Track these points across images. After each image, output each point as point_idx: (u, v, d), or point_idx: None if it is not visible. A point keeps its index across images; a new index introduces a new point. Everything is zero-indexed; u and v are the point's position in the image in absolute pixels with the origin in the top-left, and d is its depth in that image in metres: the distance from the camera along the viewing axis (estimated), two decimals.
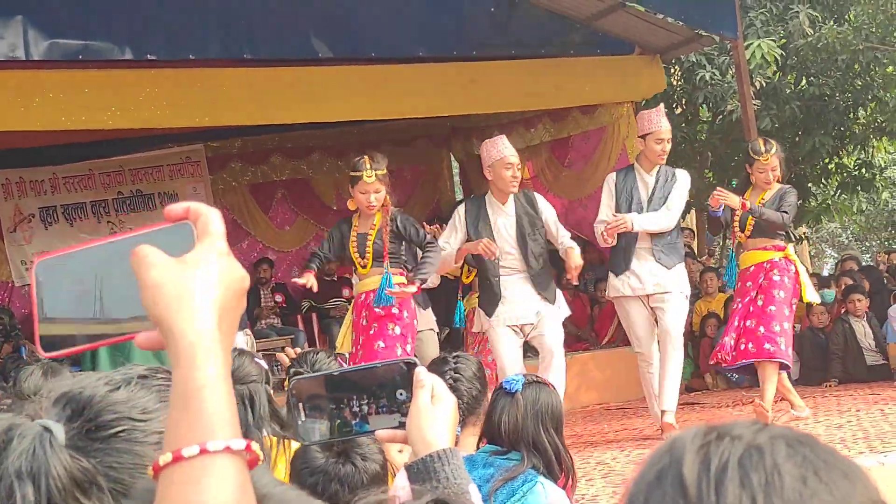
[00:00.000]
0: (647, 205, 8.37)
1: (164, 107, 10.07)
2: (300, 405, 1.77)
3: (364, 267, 7.65)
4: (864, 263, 17.02)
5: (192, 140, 13.30)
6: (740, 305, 8.47)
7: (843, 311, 11.30)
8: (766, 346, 8.20)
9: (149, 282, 1.25)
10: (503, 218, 8.08)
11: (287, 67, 10.81)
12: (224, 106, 10.38)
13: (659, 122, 8.46)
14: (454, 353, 4.23)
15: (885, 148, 17.92)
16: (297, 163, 14.34)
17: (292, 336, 11.94)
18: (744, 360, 8.30)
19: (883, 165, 19.16)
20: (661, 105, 9.58)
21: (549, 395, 3.92)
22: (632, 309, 8.43)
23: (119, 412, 1.41)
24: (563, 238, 8.16)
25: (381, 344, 7.47)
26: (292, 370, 4.15)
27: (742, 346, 8.29)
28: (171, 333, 1.23)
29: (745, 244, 8.58)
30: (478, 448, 3.96)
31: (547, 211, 8.21)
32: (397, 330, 7.55)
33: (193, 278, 1.26)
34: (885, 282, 12.55)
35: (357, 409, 1.76)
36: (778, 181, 8.46)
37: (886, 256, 14.92)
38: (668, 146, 8.56)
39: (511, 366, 7.85)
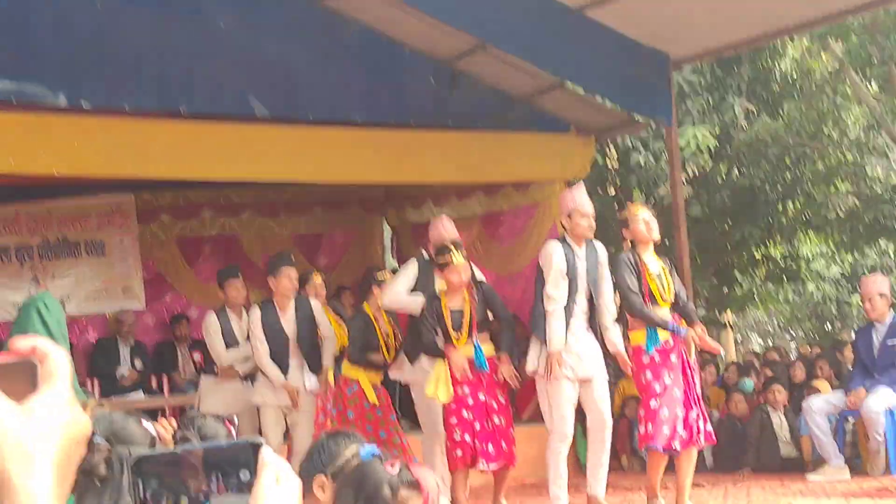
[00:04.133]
0: (585, 281, 8.36)
1: (95, 155, 9.96)
2: (140, 482, 1.72)
3: (459, 340, 8.42)
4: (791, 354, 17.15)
5: (122, 190, 13.18)
6: (670, 381, 8.04)
7: (761, 400, 11.38)
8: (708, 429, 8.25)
9: None
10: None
11: (222, 124, 10.77)
12: (156, 158, 10.29)
13: (582, 198, 8.51)
14: None
15: (811, 241, 18.19)
16: (227, 219, 14.25)
17: None
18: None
19: (809, 258, 19.42)
20: (581, 183, 9.76)
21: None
22: (566, 389, 8.32)
23: None
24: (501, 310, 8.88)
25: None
26: (178, 434, 4.06)
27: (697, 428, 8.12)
28: (9, 485, 1.21)
29: (661, 313, 8.22)
30: None
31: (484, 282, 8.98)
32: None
33: (37, 430, 1.23)
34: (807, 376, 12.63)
35: (203, 488, 1.70)
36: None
37: (809, 349, 15.07)
38: (594, 222, 8.54)
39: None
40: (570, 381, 8.31)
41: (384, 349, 9.00)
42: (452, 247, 8.47)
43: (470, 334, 8.45)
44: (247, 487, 1.71)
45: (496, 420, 8.44)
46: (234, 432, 5.32)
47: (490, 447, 8.37)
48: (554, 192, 12.74)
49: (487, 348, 8.55)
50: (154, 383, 12.32)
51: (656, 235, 8.36)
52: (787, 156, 14.87)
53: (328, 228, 14.97)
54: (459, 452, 8.41)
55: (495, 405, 8.46)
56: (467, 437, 8.35)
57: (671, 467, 8.44)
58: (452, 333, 8.40)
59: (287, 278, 9.22)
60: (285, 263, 9.34)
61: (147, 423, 3.53)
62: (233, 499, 1.71)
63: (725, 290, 16.24)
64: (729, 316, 18.75)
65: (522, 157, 12.15)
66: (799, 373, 11.91)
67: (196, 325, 12.69)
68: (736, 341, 24.90)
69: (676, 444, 8.05)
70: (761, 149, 14.47)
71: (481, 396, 8.41)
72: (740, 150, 14.73)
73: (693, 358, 8.38)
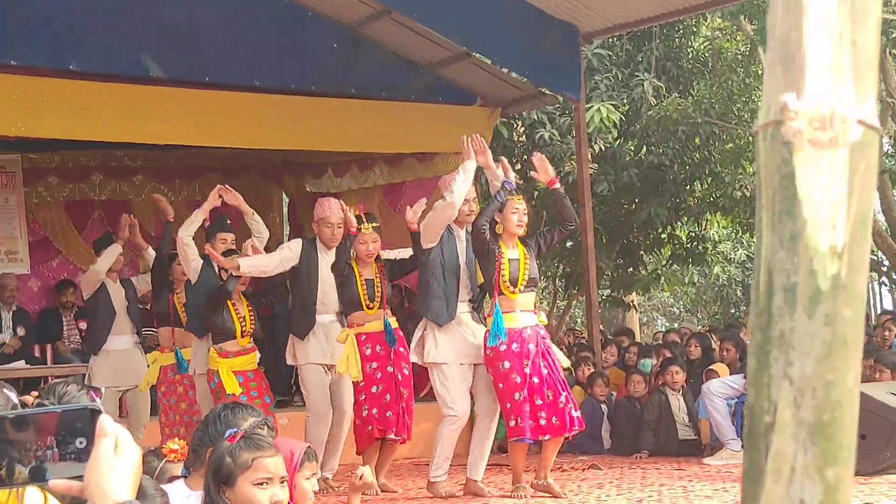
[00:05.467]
0: (468, 268, 8.36)
1: None
2: None
3: (371, 309, 8.61)
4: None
5: (7, 149, 12.68)
6: (528, 370, 7.92)
7: (660, 382, 11.25)
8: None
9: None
10: (327, 259, 8.86)
11: (115, 84, 10.40)
12: (44, 117, 9.97)
13: None
14: None
15: (718, 222, 18.14)
16: (118, 183, 13.78)
17: None
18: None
19: (716, 240, 19.40)
20: None
21: None
22: (458, 372, 8.27)
23: None
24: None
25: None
26: (36, 402, 3.81)
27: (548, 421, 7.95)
28: None
29: (513, 303, 8.06)
30: None
31: None
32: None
33: None
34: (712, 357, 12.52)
35: (38, 455, 1.68)
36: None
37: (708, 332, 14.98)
38: (474, 206, 8.57)
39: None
40: (464, 366, 8.29)
41: (238, 334, 8.76)
42: (364, 217, 8.73)
43: (381, 305, 8.68)
44: (84, 455, 1.69)
45: (402, 391, 8.63)
46: (98, 403, 4.97)
47: (405, 417, 8.60)
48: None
49: (393, 321, 8.78)
50: (37, 352, 11.91)
51: (524, 231, 8.17)
52: (696, 135, 14.75)
53: None
54: (370, 428, 8.54)
55: (400, 377, 8.64)
56: (375, 412, 8.52)
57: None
58: (365, 301, 8.59)
59: (221, 242, 9.22)
60: (220, 230, 9.38)
61: (8, 391, 3.31)
62: (69, 466, 1.69)
63: (630, 270, 16.13)
64: (634, 297, 18.65)
65: (426, 127, 11.93)
66: (695, 350, 11.83)
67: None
68: (641, 322, 24.93)
69: (545, 434, 7.94)
70: (670, 127, 14.33)
71: (389, 369, 8.62)
72: (649, 128, 14.58)
73: (549, 342, 8.26)
